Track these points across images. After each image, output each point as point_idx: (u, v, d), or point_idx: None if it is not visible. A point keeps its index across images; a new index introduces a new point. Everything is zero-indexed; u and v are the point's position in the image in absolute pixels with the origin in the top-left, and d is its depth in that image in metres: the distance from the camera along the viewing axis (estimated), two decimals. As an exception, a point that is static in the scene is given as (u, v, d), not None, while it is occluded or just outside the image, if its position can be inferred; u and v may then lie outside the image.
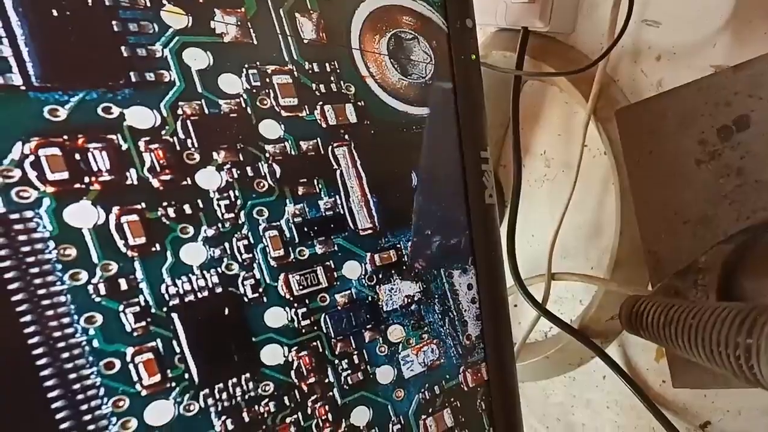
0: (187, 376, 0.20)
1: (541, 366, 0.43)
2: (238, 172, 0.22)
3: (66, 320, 0.18)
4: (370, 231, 0.25)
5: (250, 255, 0.22)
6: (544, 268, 0.40)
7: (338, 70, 0.25)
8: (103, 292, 0.19)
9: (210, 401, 0.20)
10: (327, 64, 0.25)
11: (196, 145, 0.21)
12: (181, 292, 0.20)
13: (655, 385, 0.38)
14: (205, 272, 0.21)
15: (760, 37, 0.30)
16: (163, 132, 0.20)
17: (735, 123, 0.29)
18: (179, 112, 0.21)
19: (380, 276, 0.25)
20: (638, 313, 0.27)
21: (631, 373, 0.39)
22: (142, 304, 0.19)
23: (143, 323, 0.19)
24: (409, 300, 0.26)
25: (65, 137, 0.18)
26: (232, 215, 0.22)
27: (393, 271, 0.26)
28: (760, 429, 0.34)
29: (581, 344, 0.39)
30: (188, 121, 0.21)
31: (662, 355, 0.37)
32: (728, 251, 0.27)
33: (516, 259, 0.40)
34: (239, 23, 0.22)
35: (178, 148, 0.20)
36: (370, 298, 0.25)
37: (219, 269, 0.21)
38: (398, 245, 0.26)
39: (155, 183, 0.20)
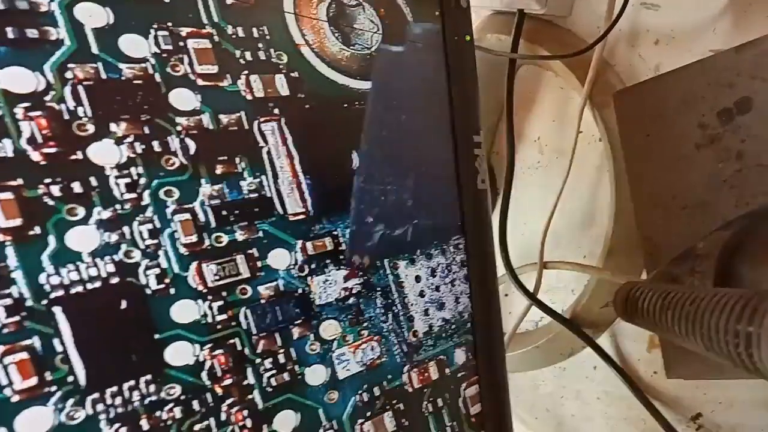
0: (71, 378, 0.17)
1: (531, 356, 0.42)
2: (143, 146, 0.19)
3: None
4: (302, 216, 0.23)
5: (155, 241, 0.19)
6: (536, 257, 0.39)
7: (268, 36, 0.22)
8: (-36, 281, 0.16)
9: (100, 407, 0.18)
10: (254, 29, 0.22)
11: (89, 115, 0.18)
12: (67, 282, 0.17)
13: (647, 376, 0.37)
14: (97, 260, 0.18)
15: (761, 21, 0.29)
16: (47, 98, 0.17)
17: (737, 105, 0.28)
18: (68, 75, 0.18)
19: (313, 266, 0.23)
20: (634, 300, 0.26)
21: (622, 364, 0.38)
22: (16, 296, 0.17)
23: (16, 318, 0.17)
24: (347, 293, 0.24)
25: None
26: (133, 195, 0.19)
27: (328, 261, 0.23)
28: (753, 421, 0.33)
29: (572, 334, 0.38)
30: (80, 87, 0.18)
31: (654, 345, 0.37)
32: (727, 237, 0.26)
33: (507, 247, 0.39)
34: (146, -23, 0.19)
35: (66, 117, 0.18)
36: (300, 291, 0.23)
37: (115, 257, 0.18)
38: (335, 232, 0.23)
39: (36, 156, 0.17)
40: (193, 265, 0.20)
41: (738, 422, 0.34)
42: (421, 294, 0.26)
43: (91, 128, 0.18)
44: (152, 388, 0.19)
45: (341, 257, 0.24)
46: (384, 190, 0.25)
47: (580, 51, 0.34)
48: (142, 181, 0.19)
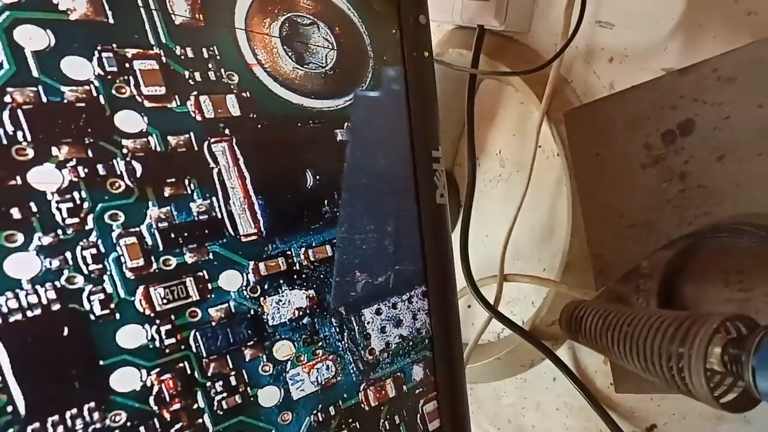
0: (10, 408, 0.17)
1: (493, 367, 0.43)
2: (86, 170, 0.19)
3: None
4: (254, 237, 0.23)
5: (100, 266, 0.19)
6: (497, 269, 0.39)
7: (218, 57, 0.22)
8: None
9: (40, 437, 0.18)
10: (204, 49, 0.22)
11: (29, 139, 0.18)
12: (5, 310, 0.17)
13: (604, 387, 0.38)
14: (38, 287, 0.18)
15: (710, 41, 0.30)
16: (-17, 123, 0.17)
17: (679, 127, 0.28)
18: (7, 99, 0.18)
19: (266, 287, 0.23)
20: (577, 319, 0.26)
21: (580, 376, 0.38)
22: (-50, 326, 0.16)
23: (-50, 349, 0.16)
24: (301, 312, 0.24)
25: None
26: (76, 220, 0.19)
27: (282, 281, 0.23)
28: (705, 432, 0.34)
29: (532, 346, 0.38)
30: (19, 111, 0.18)
31: (610, 358, 0.37)
32: (670, 257, 0.27)
33: (469, 260, 0.39)
34: (90, -2, 0.19)
35: (4, 141, 0.17)
36: (252, 312, 0.22)
37: (57, 283, 0.18)
38: (288, 252, 0.23)
39: (-28, 183, 0.17)
40: (140, 289, 0.20)
41: (690, 433, 0.34)
42: (378, 312, 0.26)
43: (30, 153, 0.18)
44: (96, 415, 0.19)
45: (295, 277, 0.24)
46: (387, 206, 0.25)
47: (537, 68, 0.34)
48: (86, 205, 0.19)
